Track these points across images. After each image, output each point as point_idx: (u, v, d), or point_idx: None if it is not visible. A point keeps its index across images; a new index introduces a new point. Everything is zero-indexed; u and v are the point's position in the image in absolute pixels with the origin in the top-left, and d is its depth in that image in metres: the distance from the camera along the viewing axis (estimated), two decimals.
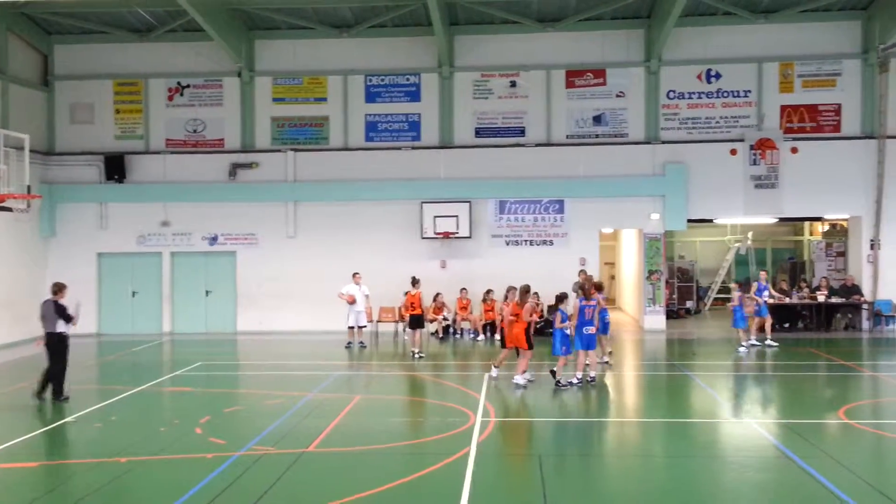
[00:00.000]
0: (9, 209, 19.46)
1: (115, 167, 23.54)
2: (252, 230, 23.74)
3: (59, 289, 13.85)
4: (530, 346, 14.55)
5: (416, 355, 18.34)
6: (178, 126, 24.04)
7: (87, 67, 24.12)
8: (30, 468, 9.74)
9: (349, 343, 20.27)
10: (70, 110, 24.21)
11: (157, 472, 9.62)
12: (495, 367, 15.19)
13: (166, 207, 23.81)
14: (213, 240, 23.82)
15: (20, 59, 22.89)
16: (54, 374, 13.56)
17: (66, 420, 12.14)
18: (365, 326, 20.71)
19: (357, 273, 20.62)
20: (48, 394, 13.57)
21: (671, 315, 25.32)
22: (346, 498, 8.28)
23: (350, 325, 20.34)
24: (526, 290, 14.60)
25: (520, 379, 14.43)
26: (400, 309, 21.55)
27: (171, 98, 24.10)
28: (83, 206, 23.85)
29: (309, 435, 10.99)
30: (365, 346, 20.39)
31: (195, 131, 24.02)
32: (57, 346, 13.63)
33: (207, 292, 24.00)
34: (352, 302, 20.22)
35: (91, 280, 23.92)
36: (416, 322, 18.83)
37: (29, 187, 19.76)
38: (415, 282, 19.18)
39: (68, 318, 13.61)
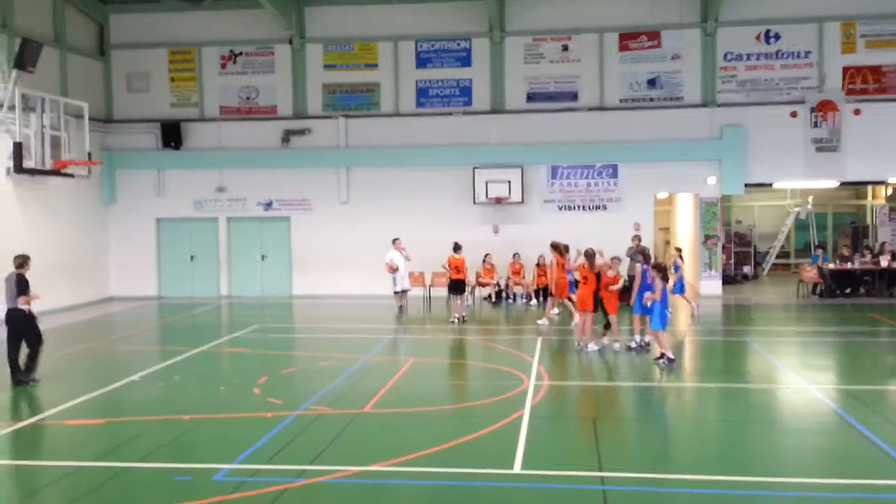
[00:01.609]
0: (71, 175, 19.98)
1: (172, 134, 23.90)
2: (305, 196, 23.95)
3: (23, 261, 12.38)
4: (595, 309, 14.45)
5: (459, 320, 18.30)
6: (232, 93, 24.27)
7: (142, 36, 24.40)
8: (96, 425, 10.06)
9: (401, 307, 20.30)
10: (126, 79, 24.58)
11: (219, 429, 9.90)
12: (612, 339, 14.56)
13: (222, 173, 24.14)
14: (268, 205, 24.12)
15: (77, 29, 23.24)
16: (35, 353, 12.33)
17: (130, 379, 12.49)
18: (408, 290, 20.56)
19: (397, 238, 20.31)
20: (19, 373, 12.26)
21: (728, 280, 24.94)
22: (403, 457, 8.39)
23: (396, 290, 20.33)
24: (592, 255, 14.42)
25: (592, 345, 14.32)
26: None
27: (224, 66, 24.30)
28: (141, 173, 24.30)
29: (364, 396, 11.14)
30: (406, 311, 20.31)
31: (248, 98, 24.24)
32: (25, 323, 12.25)
33: (263, 257, 24.36)
34: (394, 271, 20.14)
35: (151, 245, 24.49)
36: (458, 287, 18.83)
37: (90, 154, 20.28)
38: (457, 247, 19.06)
39: (22, 292, 12.12)
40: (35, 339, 12.39)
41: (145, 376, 12.78)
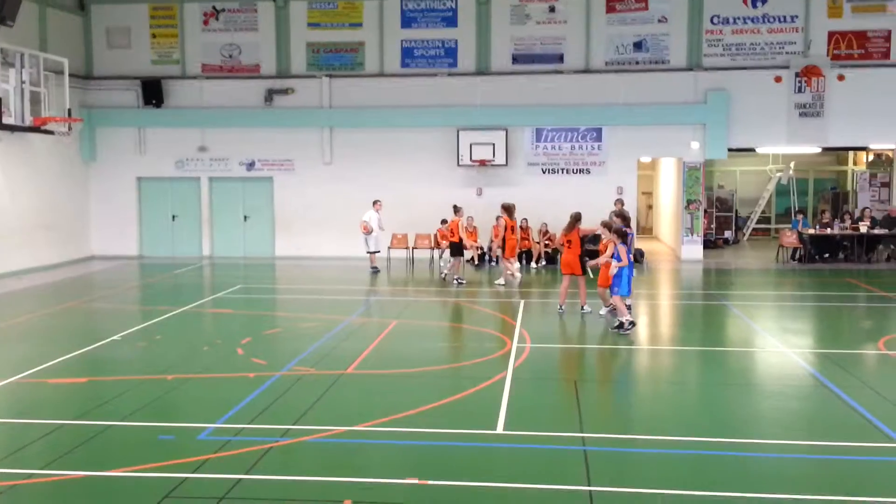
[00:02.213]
0: (50, 132, 19.71)
1: (153, 92, 23.58)
2: (288, 156, 23.77)
3: None
4: (584, 273, 14.55)
5: (457, 281, 18.46)
6: (214, 51, 23.92)
7: None
8: (79, 384, 10.05)
9: (377, 268, 20.54)
10: (107, 34, 24.14)
11: (202, 389, 9.91)
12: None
13: (203, 132, 23.89)
14: (251, 165, 23.93)
15: None
16: None
17: (112, 339, 12.47)
18: (378, 252, 20.90)
19: (378, 200, 20.69)
20: None
21: (709, 245, 25.12)
22: (386, 418, 8.46)
23: (369, 250, 20.61)
24: (577, 219, 14.51)
25: (587, 308, 14.41)
26: (435, 236, 21.79)
27: (206, 23, 23.91)
28: (122, 131, 24.00)
29: (347, 357, 11.18)
30: (378, 271, 20.61)
31: (231, 56, 23.90)
32: None
33: (245, 217, 24.23)
34: (369, 232, 20.37)
35: (132, 204, 24.28)
36: (458, 249, 18.94)
37: (69, 110, 19.96)
38: (456, 209, 19.21)
39: None
40: None
41: (127, 336, 12.75)
